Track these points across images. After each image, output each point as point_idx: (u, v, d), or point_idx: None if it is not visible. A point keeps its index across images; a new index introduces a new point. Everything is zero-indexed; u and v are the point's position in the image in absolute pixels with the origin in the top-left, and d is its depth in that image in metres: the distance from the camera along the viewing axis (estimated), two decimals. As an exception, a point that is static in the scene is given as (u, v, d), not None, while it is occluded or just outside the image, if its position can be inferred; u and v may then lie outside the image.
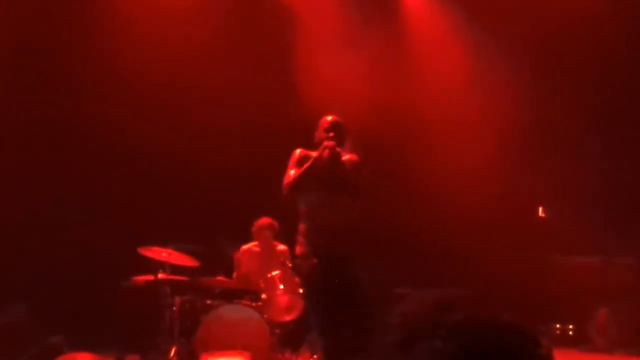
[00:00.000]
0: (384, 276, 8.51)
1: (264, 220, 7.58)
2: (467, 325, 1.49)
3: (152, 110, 8.57)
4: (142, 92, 7.99)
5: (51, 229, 7.75)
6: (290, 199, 5.49)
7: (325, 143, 5.42)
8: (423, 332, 1.48)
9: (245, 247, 7.67)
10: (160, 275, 6.59)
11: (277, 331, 6.83)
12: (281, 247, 7.56)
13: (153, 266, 6.61)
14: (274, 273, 6.86)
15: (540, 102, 9.07)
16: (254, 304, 6.85)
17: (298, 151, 5.61)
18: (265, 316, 6.74)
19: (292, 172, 5.48)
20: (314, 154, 5.50)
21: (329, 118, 5.59)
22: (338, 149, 5.44)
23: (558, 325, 9.05)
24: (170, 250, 6.63)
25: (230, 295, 7.11)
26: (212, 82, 8.63)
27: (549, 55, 9.18)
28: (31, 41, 8.35)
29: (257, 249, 7.63)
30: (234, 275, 7.59)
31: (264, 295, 6.81)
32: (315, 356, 6.93)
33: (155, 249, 6.60)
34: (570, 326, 9.00)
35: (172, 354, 6.54)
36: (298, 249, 5.48)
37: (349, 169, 5.54)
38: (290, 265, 6.98)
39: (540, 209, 8.31)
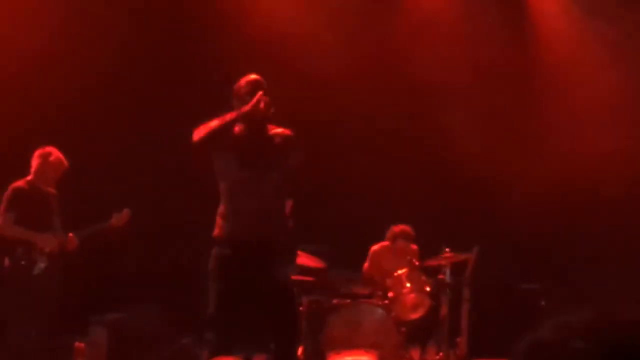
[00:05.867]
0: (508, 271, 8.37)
1: (400, 228, 7.47)
2: (607, 325, 1.42)
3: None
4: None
5: (186, 231, 7.83)
6: (200, 152, 4.73)
7: (260, 94, 4.61)
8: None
9: (375, 247, 7.65)
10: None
11: (404, 329, 6.77)
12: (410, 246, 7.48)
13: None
14: (400, 271, 6.81)
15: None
16: (380, 303, 6.82)
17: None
18: (392, 314, 6.70)
19: (213, 123, 4.69)
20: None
21: (252, 76, 4.80)
22: (272, 111, 4.71)
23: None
24: (298, 252, 6.65)
25: (357, 295, 7.10)
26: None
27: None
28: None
29: (386, 249, 7.56)
30: (364, 267, 7.58)
31: (390, 294, 6.77)
32: (441, 353, 6.87)
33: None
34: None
35: (299, 353, 6.57)
36: (215, 232, 4.81)
37: (280, 143, 4.78)
38: (417, 263, 6.92)
39: None
